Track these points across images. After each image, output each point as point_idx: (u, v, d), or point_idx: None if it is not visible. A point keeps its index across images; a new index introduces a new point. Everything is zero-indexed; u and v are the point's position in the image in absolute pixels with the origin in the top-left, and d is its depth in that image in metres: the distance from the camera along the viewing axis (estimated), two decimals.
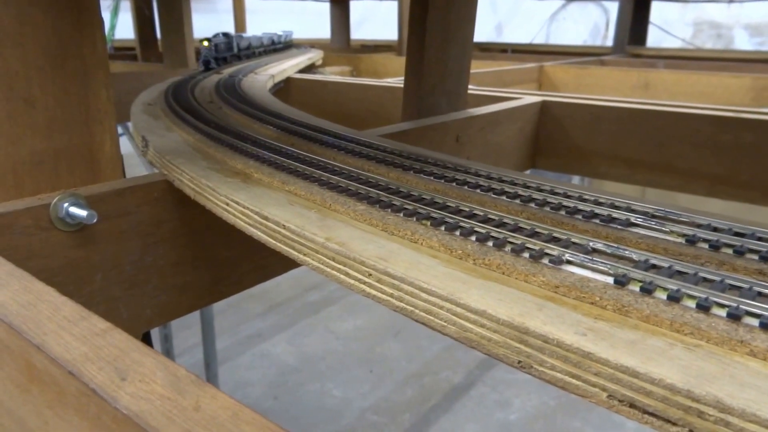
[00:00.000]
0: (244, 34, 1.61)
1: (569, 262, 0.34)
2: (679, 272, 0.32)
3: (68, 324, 0.34)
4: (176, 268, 0.70)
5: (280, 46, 1.98)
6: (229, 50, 1.37)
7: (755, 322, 0.27)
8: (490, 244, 0.37)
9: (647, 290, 0.30)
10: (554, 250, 0.35)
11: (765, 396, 0.23)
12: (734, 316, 0.28)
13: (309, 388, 1.33)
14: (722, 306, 0.28)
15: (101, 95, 0.63)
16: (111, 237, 0.61)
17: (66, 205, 0.55)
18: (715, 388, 0.23)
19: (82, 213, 0.55)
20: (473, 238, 0.38)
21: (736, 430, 0.22)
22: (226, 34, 1.38)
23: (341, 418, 1.38)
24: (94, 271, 0.61)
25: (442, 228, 0.40)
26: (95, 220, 0.56)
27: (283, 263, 0.86)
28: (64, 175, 0.62)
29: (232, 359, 1.73)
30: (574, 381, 0.27)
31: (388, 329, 1.63)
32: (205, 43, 1.27)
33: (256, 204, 0.48)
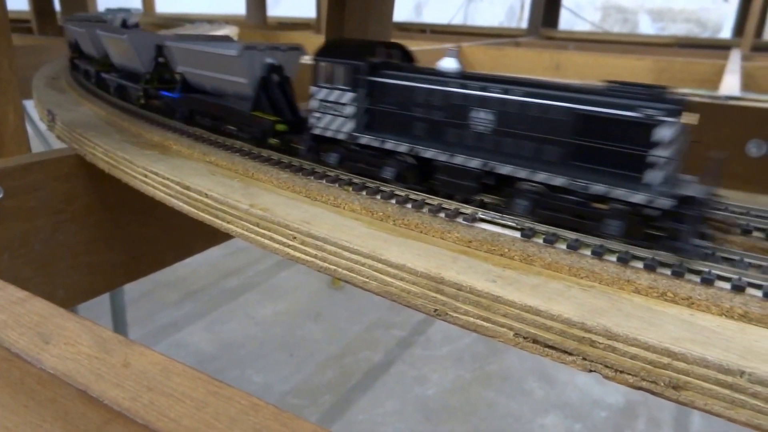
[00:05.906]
0: None
1: (482, 220, 0.37)
2: None
3: None
4: (90, 246, 0.67)
5: None
6: None
7: (640, 264, 0.30)
8: (409, 206, 0.39)
9: (550, 241, 0.33)
10: (468, 209, 0.37)
11: (646, 324, 0.26)
12: (623, 260, 0.31)
13: (228, 375, 1.31)
14: (613, 252, 0.32)
15: (3, 64, 0.60)
16: (18, 214, 0.58)
17: None
18: (604, 320, 0.26)
19: None
20: (393, 201, 0.40)
21: (621, 354, 0.25)
22: None
23: None
24: (0, 251, 0.58)
25: (364, 193, 0.42)
26: (1, 196, 0.54)
27: (204, 240, 0.85)
28: None
29: None
30: (485, 324, 0.30)
31: (309, 313, 1.62)
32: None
33: (176, 174, 0.48)
